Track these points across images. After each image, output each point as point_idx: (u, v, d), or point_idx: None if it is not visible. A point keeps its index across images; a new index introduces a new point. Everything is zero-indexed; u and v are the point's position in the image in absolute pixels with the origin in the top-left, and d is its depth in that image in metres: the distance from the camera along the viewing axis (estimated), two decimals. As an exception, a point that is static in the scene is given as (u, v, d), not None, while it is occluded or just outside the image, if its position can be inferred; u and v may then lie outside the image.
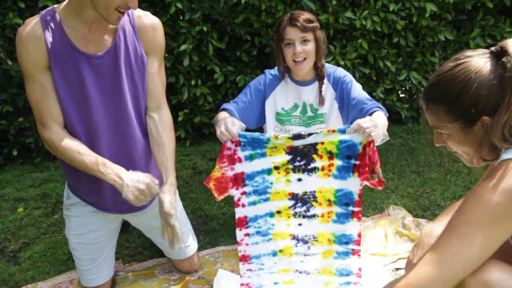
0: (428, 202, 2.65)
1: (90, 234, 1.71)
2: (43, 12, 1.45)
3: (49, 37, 1.41)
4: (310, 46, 1.83)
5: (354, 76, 3.70)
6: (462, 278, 0.99)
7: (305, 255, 1.70)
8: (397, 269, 2.04)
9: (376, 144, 1.55)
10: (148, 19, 1.58)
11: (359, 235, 1.65)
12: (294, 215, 1.68)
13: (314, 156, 1.62)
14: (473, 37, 3.68)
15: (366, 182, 1.60)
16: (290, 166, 1.63)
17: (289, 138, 1.59)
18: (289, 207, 1.67)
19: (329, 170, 1.63)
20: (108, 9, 1.37)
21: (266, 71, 2.00)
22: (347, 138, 1.56)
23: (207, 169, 3.41)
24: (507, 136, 1.03)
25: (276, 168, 1.65)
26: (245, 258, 1.70)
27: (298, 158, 1.63)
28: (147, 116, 1.66)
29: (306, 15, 1.83)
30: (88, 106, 1.50)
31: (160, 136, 1.63)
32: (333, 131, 1.58)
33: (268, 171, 1.64)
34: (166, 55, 3.48)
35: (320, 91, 1.92)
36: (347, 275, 1.67)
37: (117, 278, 2.06)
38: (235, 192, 1.65)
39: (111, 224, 1.76)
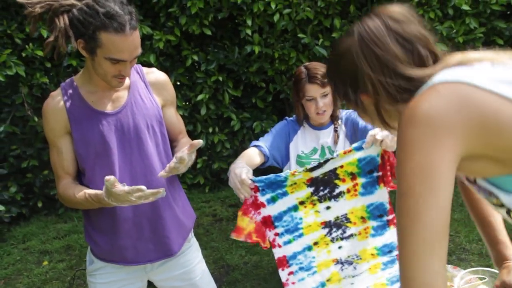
0: (453, 245, 2.60)
1: None
2: (63, 83, 1.59)
3: (68, 105, 1.53)
4: (329, 98, 1.90)
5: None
6: (446, 224, 0.83)
7: (353, 277, 1.66)
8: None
9: (392, 149, 1.55)
10: (157, 75, 1.68)
11: None
12: (332, 240, 1.66)
13: (337, 181, 1.59)
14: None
15: (389, 188, 1.60)
16: (315, 197, 1.61)
17: (306, 170, 1.57)
18: (325, 235, 1.65)
19: (355, 190, 1.61)
20: (106, 77, 1.50)
21: (286, 118, 2.08)
22: (365, 155, 1.56)
23: (227, 216, 3.43)
24: (396, 96, 0.92)
25: (302, 203, 1.62)
26: None
27: (321, 188, 1.60)
28: (176, 143, 1.75)
29: (321, 69, 1.89)
30: (110, 161, 1.56)
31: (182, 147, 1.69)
32: (349, 150, 1.56)
33: (295, 208, 1.62)
34: (184, 104, 3.59)
35: (336, 130, 1.97)
36: (398, 280, 1.62)
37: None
38: (269, 234, 1.64)
39: (137, 284, 1.78)
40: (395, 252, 1.62)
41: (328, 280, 1.66)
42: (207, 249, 2.86)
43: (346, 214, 1.63)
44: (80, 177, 1.62)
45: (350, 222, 1.64)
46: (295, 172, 1.58)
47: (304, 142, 2.00)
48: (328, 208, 1.63)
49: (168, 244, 1.68)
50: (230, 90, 3.58)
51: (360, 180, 1.59)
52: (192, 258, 1.84)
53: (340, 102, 2.00)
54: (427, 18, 3.49)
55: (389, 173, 1.56)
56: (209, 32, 3.34)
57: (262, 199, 1.60)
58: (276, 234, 1.63)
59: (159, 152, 1.66)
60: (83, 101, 1.54)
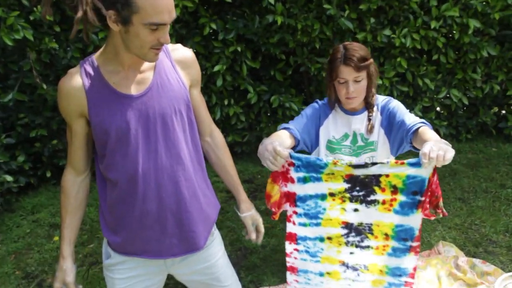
0: (479, 236, 2.52)
1: None
2: (83, 61, 1.42)
3: (88, 85, 1.38)
4: (363, 84, 1.77)
5: (391, 94, 3.60)
6: None
7: (353, 281, 1.63)
8: (455, 318, 1.93)
9: (448, 162, 1.39)
10: (184, 52, 1.53)
11: (414, 269, 1.55)
12: (346, 243, 1.60)
13: (376, 188, 1.49)
14: (518, 53, 3.51)
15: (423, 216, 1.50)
16: (347, 195, 1.53)
17: (349, 165, 1.47)
18: (342, 235, 1.59)
19: (391, 205, 1.51)
20: (143, 49, 1.33)
21: (317, 101, 1.96)
22: (415, 174, 1.42)
23: (241, 193, 3.33)
24: None
25: (332, 194, 1.55)
26: (292, 269, 1.66)
27: (357, 188, 1.51)
28: (202, 142, 1.66)
29: (360, 52, 1.75)
30: (133, 149, 1.44)
31: (218, 157, 1.68)
32: (402, 163, 1.42)
33: (322, 197, 1.55)
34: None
35: (369, 119, 1.85)
36: None
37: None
38: (288, 208, 1.61)
39: (157, 278, 1.70)
40: (405, 278, 1.56)
41: (328, 273, 1.64)
42: (222, 229, 2.78)
43: (371, 224, 1.55)
44: (98, 163, 1.51)
45: (372, 234, 1.56)
46: (337, 162, 1.48)
47: (335, 127, 1.89)
48: (356, 210, 1.55)
49: (194, 239, 1.59)
50: (248, 61, 3.40)
51: (400, 198, 1.48)
52: (215, 252, 1.75)
53: (375, 89, 1.86)
54: (462, -9, 3.27)
55: (427, 200, 1.44)
56: (229, -1, 3.12)
57: (293, 174, 1.53)
58: (295, 212, 1.59)
59: (186, 140, 1.53)
60: (104, 83, 1.39)
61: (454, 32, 3.36)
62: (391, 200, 1.49)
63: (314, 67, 3.43)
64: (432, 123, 3.81)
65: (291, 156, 1.49)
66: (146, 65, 1.44)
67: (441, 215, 1.44)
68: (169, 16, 1.27)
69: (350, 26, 3.19)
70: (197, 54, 3.44)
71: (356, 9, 3.26)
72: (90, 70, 1.40)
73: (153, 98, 1.42)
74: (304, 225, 1.60)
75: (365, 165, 1.46)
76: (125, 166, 1.44)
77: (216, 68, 3.31)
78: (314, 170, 1.51)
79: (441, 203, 1.45)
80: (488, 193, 3.03)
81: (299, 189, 1.55)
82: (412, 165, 1.40)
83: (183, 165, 1.50)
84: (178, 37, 3.31)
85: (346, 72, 1.73)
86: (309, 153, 1.92)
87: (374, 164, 1.45)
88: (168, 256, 1.58)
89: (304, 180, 1.53)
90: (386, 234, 1.54)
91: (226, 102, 3.54)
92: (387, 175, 1.46)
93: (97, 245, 2.74)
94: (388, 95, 3.65)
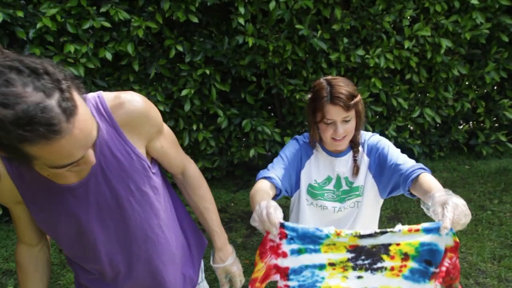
0: (467, 265, 2.43)
1: None
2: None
3: (17, 177, 1.09)
4: (352, 124, 1.59)
5: (366, 115, 3.51)
6: None
7: None
8: None
9: (464, 226, 1.21)
10: (129, 109, 1.16)
11: None
12: None
13: (384, 256, 1.32)
14: (488, 71, 3.51)
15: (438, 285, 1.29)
16: (350, 264, 1.34)
17: (355, 236, 1.28)
18: None
19: (400, 271, 1.33)
20: (57, 177, 1.08)
21: (298, 137, 1.77)
22: (429, 241, 1.24)
23: (215, 225, 3.11)
24: None
25: (332, 264, 1.35)
26: None
27: (362, 257, 1.33)
28: (175, 178, 1.48)
29: (347, 89, 1.57)
30: (89, 240, 1.21)
31: (191, 198, 1.48)
32: (417, 230, 1.24)
33: (321, 267, 1.35)
34: (164, 99, 3.19)
35: (355, 160, 1.69)
36: None
37: None
38: (278, 279, 1.36)
39: None
40: None
41: None
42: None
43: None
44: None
45: None
46: (340, 232, 1.27)
47: (317, 170, 1.71)
48: (359, 277, 1.36)
49: None
50: (218, 84, 3.21)
51: (411, 264, 1.30)
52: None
53: (362, 126, 1.70)
54: (433, 11, 3.24)
55: (444, 276, 1.25)
56: (195, 20, 2.93)
57: (285, 248, 1.30)
58: (287, 286, 1.35)
59: (154, 211, 1.28)
60: (34, 172, 1.09)
61: (427, 51, 3.32)
62: (401, 266, 1.31)
63: (286, 89, 3.29)
64: (406, 142, 3.75)
65: (284, 227, 1.27)
66: None
67: None
68: (84, 149, 0.92)
69: (324, 47, 3.08)
70: (162, 77, 3.22)
71: (329, 29, 3.16)
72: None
73: (99, 183, 1.15)
74: None
75: (373, 235, 1.26)
76: (87, 257, 1.23)
77: (184, 92, 3.10)
78: (312, 242, 1.31)
79: (456, 285, 1.26)
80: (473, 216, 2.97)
81: (293, 262, 1.33)
82: (428, 231, 1.21)
83: (153, 240, 1.29)
84: (141, 60, 3.08)
85: (334, 113, 1.54)
86: (290, 197, 1.73)
87: (383, 233, 1.25)
88: None
89: (298, 252, 1.33)
90: None
91: (194, 127, 3.33)
92: (397, 244, 1.27)
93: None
94: (361, 115, 3.58)
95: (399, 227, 1.24)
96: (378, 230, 1.25)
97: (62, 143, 0.85)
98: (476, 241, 2.64)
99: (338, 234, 1.26)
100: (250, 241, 2.82)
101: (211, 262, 1.56)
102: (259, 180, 1.59)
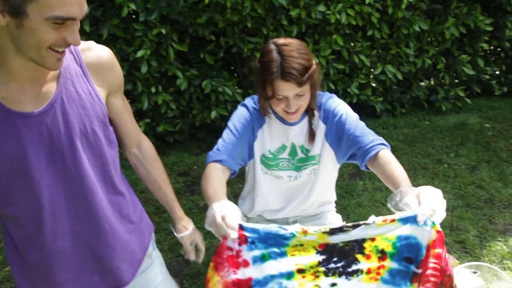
0: (423, 217, 2.50)
1: None
2: None
3: None
4: (306, 96, 1.46)
5: (328, 73, 3.48)
6: None
7: None
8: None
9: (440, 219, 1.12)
10: (99, 53, 1.21)
11: None
12: None
13: (358, 256, 1.16)
14: (447, 26, 3.52)
15: None
16: (322, 269, 1.18)
17: (324, 232, 1.14)
18: None
19: (378, 274, 1.17)
20: (40, 50, 0.99)
21: (247, 103, 1.62)
22: (408, 234, 1.11)
23: (178, 188, 3.09)
24: None
25: (301, 271, 1.19)
26: None
27: (335, 259, 1.17)
28: (127, 153, 1.44)
29: (300, 60, 1.40)
30: (34, 180, 1.14)
31: (148, 171, 1.45)
32: (392, 220, 1.10)
33: (289, 275, 1.18)
34: (120, 61, 3.06)
35: (311, 126, 1.58)
36: None
37: None
38: None
39: None
40: None
41: None
42: (159, 232, 2.55)
43: None
44: None
45: None
46: (307, 230, 1.14)
47: (270, 139, 1.61)
48: (333, 285, 1.20)
49: (119, 275, 1.35)
50: (175, 44, 3.09)
51: (390, 264, 1.16)
52: (155, 275, 1.54)
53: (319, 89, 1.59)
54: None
55: (430, 274, 1.11)
56: (148, -25, 2.78)
57: (247, 256, 1.15)
58: None
59: (104, 163, 1.25)
60: None
61: (388, 7, 3.28)
62: (378, 268, 1.17)
63: (247, 48, 3.21)
64: (368, 100, 3.77)
65: (243, 228, 1.13)
66: (46, 75, 1.10)
67: None
68: (80, 9, 0.96)
69: (283, 3, 2.99)
70: (116, 38, 3.07)
71: (289, -17, 3.06)
72: None
73: (57, 116, 1.12)
74: None
75: (344, 229, 1.13)
76: (27, 201, 1.15)
77: (139, 53, 2.97)
78: (276, 244, 1.16)
79: (454, 283, 1.16)
80: (427, 170, 3.05)
81: (256, 272, 1.18)
82: (405, 221, 1.09)
83: (99, 195, 1.24)
84: (92, 20, 2.92)
85: (286, 89, 1.40)
86: (244, 167, 1.64)
87: (356, 226, 1.12)
88: None
89: (262, 259, 1.17)
90: None
91: (153, 90, 3.23)
92: (372, 239, 1.14)
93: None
94: (324, 73, 3.54)
95: (372, 218, 1.13)
96: (349, 224, 1.14)
97: None
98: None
99: (305, 232, 1.14)
100: (213, 203, 2.82)
101: (175, 234, 1.53)
102: (210, 163, 1.50)
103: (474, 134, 3.52)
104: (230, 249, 1.14)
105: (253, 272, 1.16)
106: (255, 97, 1.60)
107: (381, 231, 1.12)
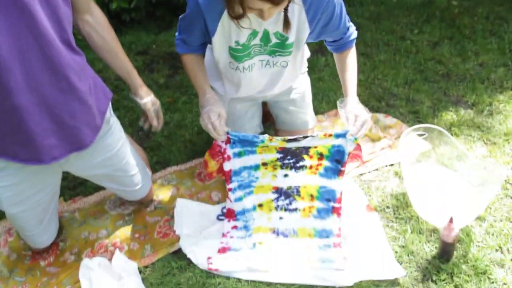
0: (381, 90, 2.56)
1: (30, 199, 1.41)
2: None
3: None
4: (283, 5, 1.31)
5: None
6: None
7: (284, 245, 1.67)
8: (361, 174, 2.00)
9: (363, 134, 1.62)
10: None
11: (339, 229, 1.66)
12: (276, 208, 1.70)
13: (305, 156, 1.65)
14: None
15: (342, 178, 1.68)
16: (279, 163, 1.67)
17: (283, 140, 1.60)
18: (272, 200, 1.70)
19: (317, 169, 1.67)
20: None
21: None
22: (339, 144, 1.60)
23: (136, 67, 2.97)
24: None
25: (264, 164, 1.68)
26: (224, 250, 1.63)
27: (288, 157, 1.65)
28: (79, 22, 1.38)
29: None
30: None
31: (103, 38, 1.42)
32: (330, 135, 1.58)
33: (256, 167, 1.68)
34: None
35: (285, 12, 1.42)
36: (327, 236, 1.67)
37: (63, 220, 1.83)
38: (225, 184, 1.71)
39: (51, 179, 1.47)
40: (332, 239, 1.64)
41: (260, 243, 1.66)
42: (119, 109, 2.52)
43: (299, 186, 1.69)
44: None
45: (299, 195, 1.69)
46: (272, 138, 1.59)
47: (236, 28, 1.44)
48: (285, 175, 1.69)
49: (77, 136, 1.36)
50: None
51: (325, 163, 1.65)
52: (114, 141, 1.56)
53: None
54: None
55: (344, 168, 1.65)
56: None
57: (229, 152, 1.63)
58: (229, 190, 1.68)
59: (59, 21, 1.19)
60: None
61: None
62: (317, 165, 1.66)
63: None
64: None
65: (228, 133, 1.58)
66: None
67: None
68: None
69: None
70: None
71: None
72: None
73: None
74: (240, 199, 1.69)
75: (298, 139, 1.60)
76: None
77: None
78: (250, 144, 1.62)
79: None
80: (390, 46, 3.04)
81: (235, 164, 1.65)
82: (338, 136, 1.58)
83: (57, 48, 1.18)
84: None
85: (261, 5, 1.25)
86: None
87: (306, 137, 1.59)
88: (48, 161, 1.33)
89: (239, 155, 1.64)
90: (311, 195, 1.68)
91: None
92: (315, 147, 1.62)
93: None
94: None
95: (317, 132, 1.68)
96: (301, 136, 1.59)
97: None
98: (393, 69, 2.74)
99: (271, 140, 1.60)
100: (173, 80, 2.76)
101: (137, 101, 1.55)
102: (183, 56, 1.62)
103: (440, 11, 3.47)
104: (219, 146, 1.62)
105: (232, 164, 1.65)
106: None
107: (322, 142, 1.60)
